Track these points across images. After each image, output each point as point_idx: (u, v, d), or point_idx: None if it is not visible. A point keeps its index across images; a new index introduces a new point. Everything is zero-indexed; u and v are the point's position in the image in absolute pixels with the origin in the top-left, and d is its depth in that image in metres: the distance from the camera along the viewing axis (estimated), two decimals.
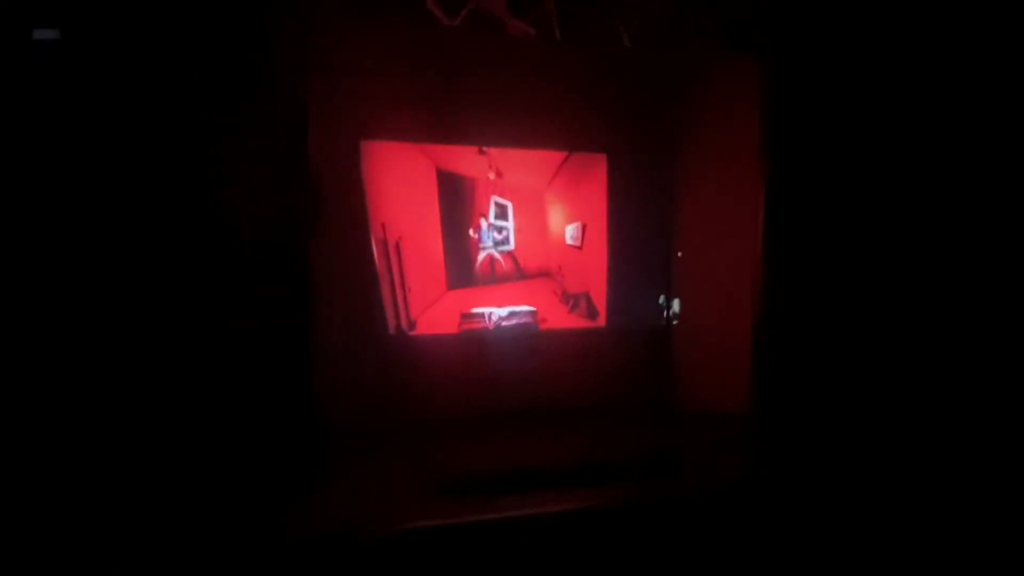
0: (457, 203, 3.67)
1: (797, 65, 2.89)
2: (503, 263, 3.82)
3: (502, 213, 3.79)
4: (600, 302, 4.00)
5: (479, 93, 3.44)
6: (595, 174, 3.92)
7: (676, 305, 3.90)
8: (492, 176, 3.73)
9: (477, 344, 3.71)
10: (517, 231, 3.83)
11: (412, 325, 3.59)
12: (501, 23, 2.90)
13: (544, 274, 3.96)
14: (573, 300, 4.02)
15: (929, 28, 2.74)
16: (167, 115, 2.41)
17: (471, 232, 3.72)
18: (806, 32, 2.84)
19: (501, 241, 3.79)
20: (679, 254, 3.79)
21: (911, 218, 2.88)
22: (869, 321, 2.94)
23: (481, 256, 3.78)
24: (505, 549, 2.17)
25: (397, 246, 3.51)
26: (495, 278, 3.80)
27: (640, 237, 3.86)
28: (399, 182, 3.49)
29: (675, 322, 3.87)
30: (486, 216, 3.74)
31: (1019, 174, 2.68)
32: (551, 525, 2.22)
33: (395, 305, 3.53)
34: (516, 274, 3.84)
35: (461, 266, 3.73)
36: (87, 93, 2.31)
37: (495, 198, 3.76)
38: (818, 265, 2.95)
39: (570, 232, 3.99)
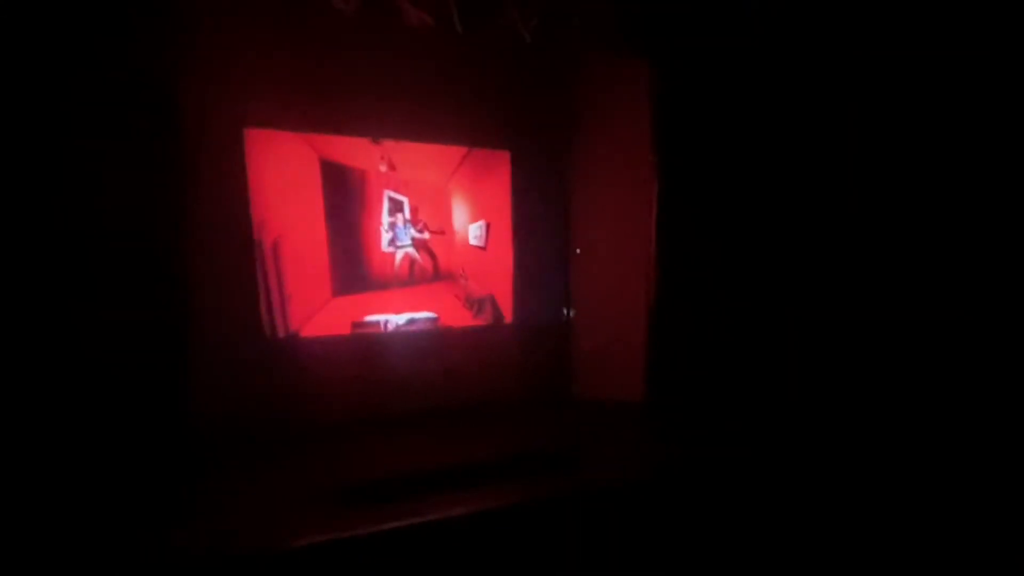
0: (345, 198, 3.28)
1: (687, 68, 2.97)
2: (422, 263, 3.53)
3: (396, 209, 3.46)
4: (506, 305, 3.79)
5: (376, 83, 3.21)
6: (497, 171, 3.71)
7: (573, 301, 3.86)
8: (384, 168, 3.40)
9: (372, 346, 3.39)
10: (420, 234, 3.54)
11: (293, 336, 3.18)
12: (399, 11, 2.69)
13: (447, 277, 3.68)
14: (478, 304, 3.77)
15: (806, 32, 2.89)
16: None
17: (383, 230, 3.38)
18: (696, 37, 2.92)
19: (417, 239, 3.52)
20: (577, 251, 3.75)
21: (793, 213, 3.03)
22: (754, 310, 3.09)
23: (399, 256, 3.45)
24: (408, 558, 2.06)
25: (274, 247, 3.08)
26: (414, 279, 3.51)
27: (542, 235, 3.78)
28: (276, 174, 3.06)
29: (573, 316, 3.84)
30: (403, 212, 3.44)
31: (893, 173, 2.82)
32: (455, 529, 2.13)
33: (272, 313, 3.10)
34: (433, 274, 3.58)
35: (351, 269, 3.34)
36: None
37: (389, 193, 3.43)
38: (706, 259, 3.08)
39: (473, 231, 3.74)
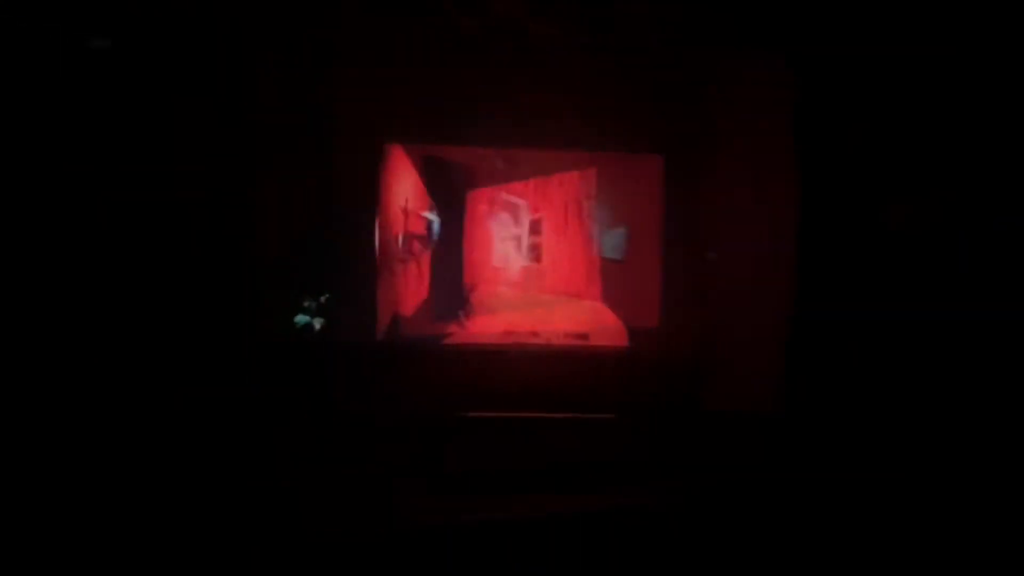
0: (448, 202, 2.74)
1: (829, 69, 2.99)
2: (540, 279, 2.99)
3: (511, 215, 2.79)
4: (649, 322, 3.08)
5: (512, 92, 2.93)
6: (637, 173, 3.07)
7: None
8: (500, 164, 2.76)
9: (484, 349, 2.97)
10: (538, 242, 2.92)
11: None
12: (524, 25, 2.73)
13: (574, 297, 2.97)
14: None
15: (950, 28, 2.82)
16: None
17: (496, 240, 2.87)
18: (838, 37, 2.93)
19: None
20: (711, 255, 3.32)
21: (934, 217, 2.99)
22: (897, 322, 3.00)
23: (513, 269, 2.92)
24: (514, 549, 2.13)
25: None
26: (529, 301, 2.98)
27: (680, 242, 3.28)
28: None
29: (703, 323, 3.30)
30: (519, 219, 2.93)
31: None
32: (568, 524, 2.20)
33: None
34: (554, 293, 3.04)
35: (450, 288, 2.78)
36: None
37: (503, 195, 2.78)
38: (852, 267, 3.06)
39: (609, 242, 2.98)
